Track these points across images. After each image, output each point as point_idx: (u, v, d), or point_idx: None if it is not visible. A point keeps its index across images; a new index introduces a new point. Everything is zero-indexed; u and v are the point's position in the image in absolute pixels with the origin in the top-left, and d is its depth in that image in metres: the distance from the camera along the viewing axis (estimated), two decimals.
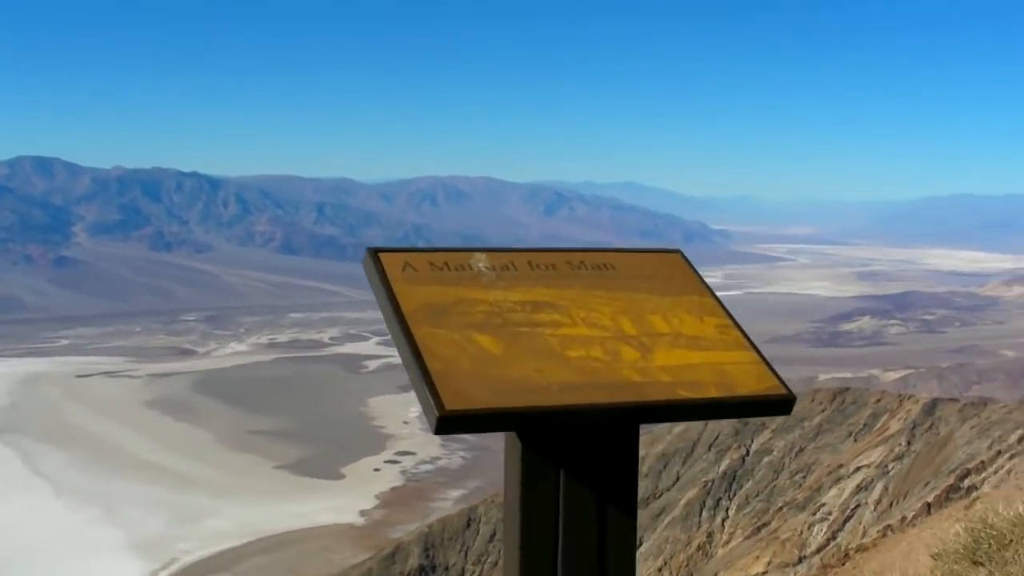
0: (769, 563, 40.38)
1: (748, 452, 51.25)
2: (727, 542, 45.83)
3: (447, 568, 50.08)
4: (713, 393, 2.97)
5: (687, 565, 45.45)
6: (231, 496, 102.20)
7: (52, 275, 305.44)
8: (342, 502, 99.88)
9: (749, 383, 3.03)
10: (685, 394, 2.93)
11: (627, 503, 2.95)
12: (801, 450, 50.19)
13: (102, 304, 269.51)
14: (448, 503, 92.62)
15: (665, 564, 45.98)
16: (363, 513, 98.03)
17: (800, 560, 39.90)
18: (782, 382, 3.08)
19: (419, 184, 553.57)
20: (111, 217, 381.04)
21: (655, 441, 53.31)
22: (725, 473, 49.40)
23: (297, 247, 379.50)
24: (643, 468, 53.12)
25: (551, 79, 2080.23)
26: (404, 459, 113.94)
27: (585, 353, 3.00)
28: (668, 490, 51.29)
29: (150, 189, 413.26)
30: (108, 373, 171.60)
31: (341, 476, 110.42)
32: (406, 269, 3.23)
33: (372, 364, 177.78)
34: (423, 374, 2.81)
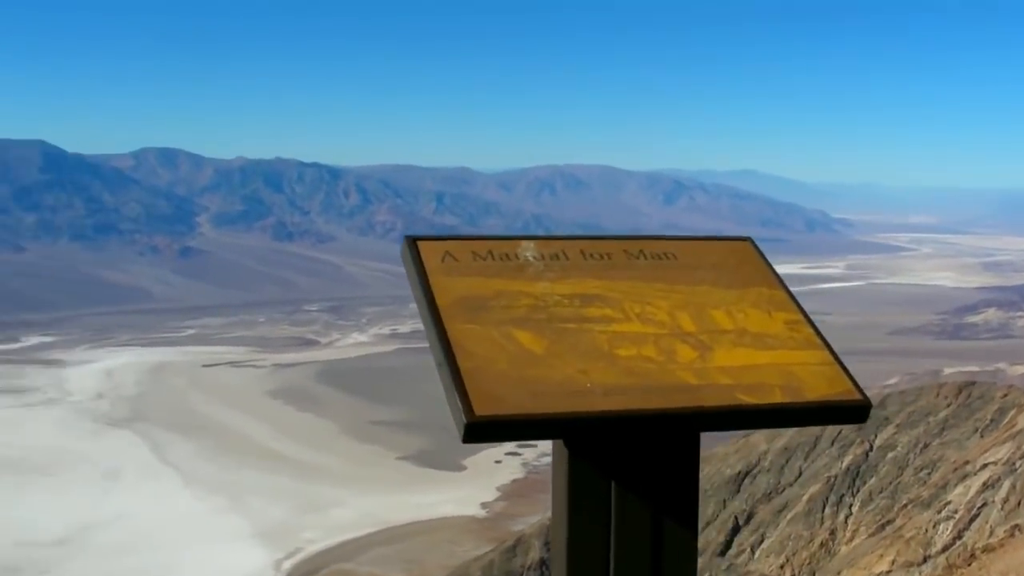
0: (893, 562, 39.91)
1: (872, 447, 50.59)
2: (850, 539, 45.37)
3: None
4: (778, 398, 2.73)
5: (809, 563, 45.09)
6: (354, 486, 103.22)
7: (177, 266, 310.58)
8: (463, 494, 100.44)
9: (819, 387, 2.78)
10: (746, 399, 2.70)
11: (687, 518, 2.74)
12: (926, 446, 49.45)
13: (226, 294, 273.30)
14: None
15: (787, 561, 45.66)
16: (484, 505, 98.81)
17: (925, 560, 39.39)
18: (856, 386, 2.82)
19: (537, 173, 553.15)
20: (234, 208, 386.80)
21: (777, 436, 52.85)
22: (848, 469, 48.80)
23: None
24: (764, 463, 52.79)
25: (668, 67, 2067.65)
26: (525, 451, 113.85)
27: (636, 352, 2.78)
28: (790, 485, 50.85)
29: (272, 180, 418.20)
30: (233, 363, 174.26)
31: (462, 468, 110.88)
32: (446, 259, 3.03)
33: None
34: (453, 374, 2.61)
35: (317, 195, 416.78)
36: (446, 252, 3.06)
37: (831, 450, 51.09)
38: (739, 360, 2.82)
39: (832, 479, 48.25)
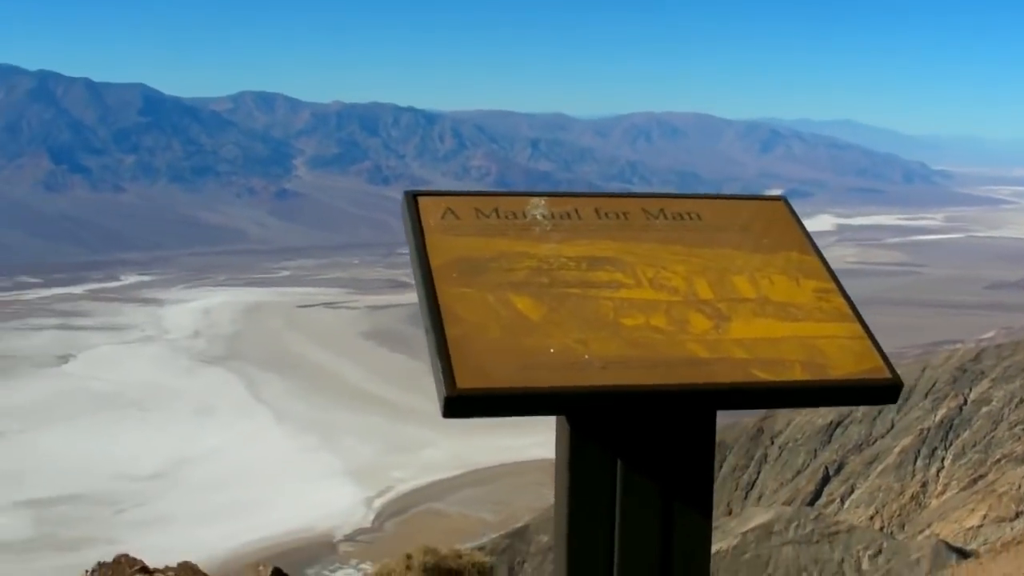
0: (984, 517, 39.42)
1: (966, 401, 49.98)
2: (941, 493, 44.93)
3: None
4: (797, 375, 2.52)
5: (899, 515, 44.71)
6: (444, 427, 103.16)
7: (274, 207, 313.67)
8: (552, 437, 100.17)
9: (845, 363, 2.57)
10: (761, 375, 2.49)
11: (699, 500, 2.55)
12: (1021, 401, 48.74)
13: (321, 236, 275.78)
14: None
15: (877, 513, 45.32)
16: None
17: (1017, 515, 38.86)
18: (887, 363, 2.60)
19: (633, 120, 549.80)
20: (330, 151, 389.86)
21: None
22: (942, 422, 48.31)
23: (512, 182, 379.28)
24: (856, 413, 52.33)
25: (765, 14, 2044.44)
26: None
27: (644, 321, 2.59)
28: (882, 437, 50.44)
29: (368, 123, 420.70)
30: (327, 304, 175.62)
31: None
32: (446, 216, 2.85)
33: None
34: (438, 342, 2.43)
35: (412, 139, 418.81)
36: (447, 209, 2.88)
37: (924, 403, 50.51)
38: (758, 332, 2.62)
39: (925, 432, 47.75)
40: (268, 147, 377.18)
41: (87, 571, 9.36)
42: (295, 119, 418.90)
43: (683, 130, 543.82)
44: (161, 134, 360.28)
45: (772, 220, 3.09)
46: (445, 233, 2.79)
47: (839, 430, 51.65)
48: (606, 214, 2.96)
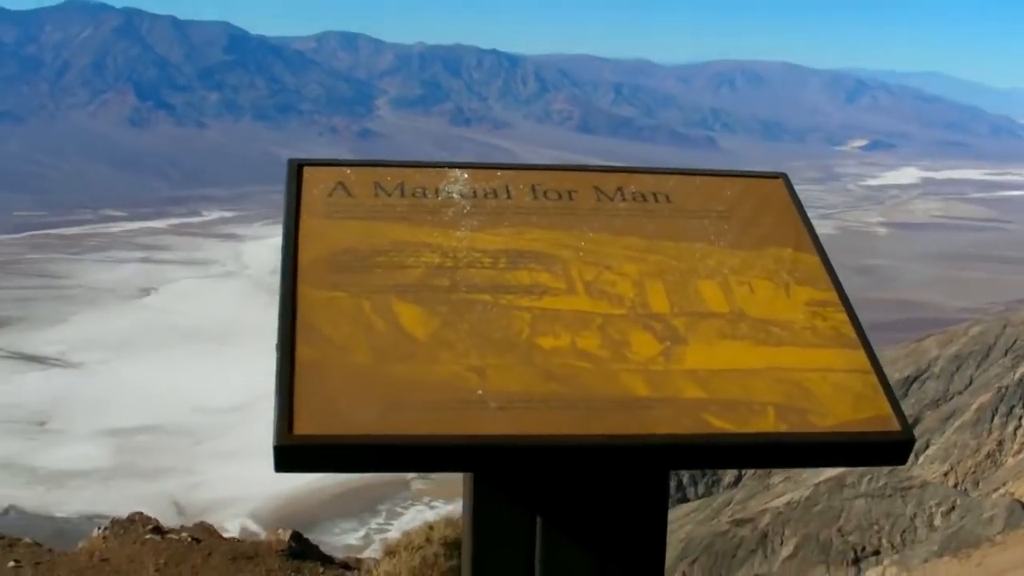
0: None
1: None
2: (1018, 452, 44.49)
3: None
4: (768, 424, 1.95)
5: (974, 472, 44.35)
6: None
7: (355, 147, 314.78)
8: None
9: (838, 408, 2.00)
10: (717, 423, 1.93)
11: (646, 568, 2.04)
12: None
13: None
14: None
15: (951, 469, 44.96)
16: None
17: None
18: (897, 410, 2.02)
19: (717, 67, 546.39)
20: (413, 92, 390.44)
21: (949, 342, 51.83)
22: (1021, 380, 47.67)
23: (594, 127, 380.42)
24: (935, 369, 51.81)
25: None
26: None
27: (569, 342, 2.04)
28: (959, 393, 49.92)
29: (450, 65, 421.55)
30: None
31: None
32: (335, 193, 2.33)
33: None
34: (283, 367, 1.91)
35: (495, 82, 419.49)
36: (338, 183, 2.36)
37: (1004, 360, 49.96)
38: (723, 361, 2.06)
39: (1003, 390, 47.18)
40: (351, 87, 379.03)
41: (100, 527, 9.54)
42: (378, 60, 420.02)
43: (767, 79, 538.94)
44: (245, 72, 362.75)
45: (764, 204, 2.51)
46: (329, 216, 2.27)
47: (916, 384, 51.21)
48: (545, 193, 2.41)
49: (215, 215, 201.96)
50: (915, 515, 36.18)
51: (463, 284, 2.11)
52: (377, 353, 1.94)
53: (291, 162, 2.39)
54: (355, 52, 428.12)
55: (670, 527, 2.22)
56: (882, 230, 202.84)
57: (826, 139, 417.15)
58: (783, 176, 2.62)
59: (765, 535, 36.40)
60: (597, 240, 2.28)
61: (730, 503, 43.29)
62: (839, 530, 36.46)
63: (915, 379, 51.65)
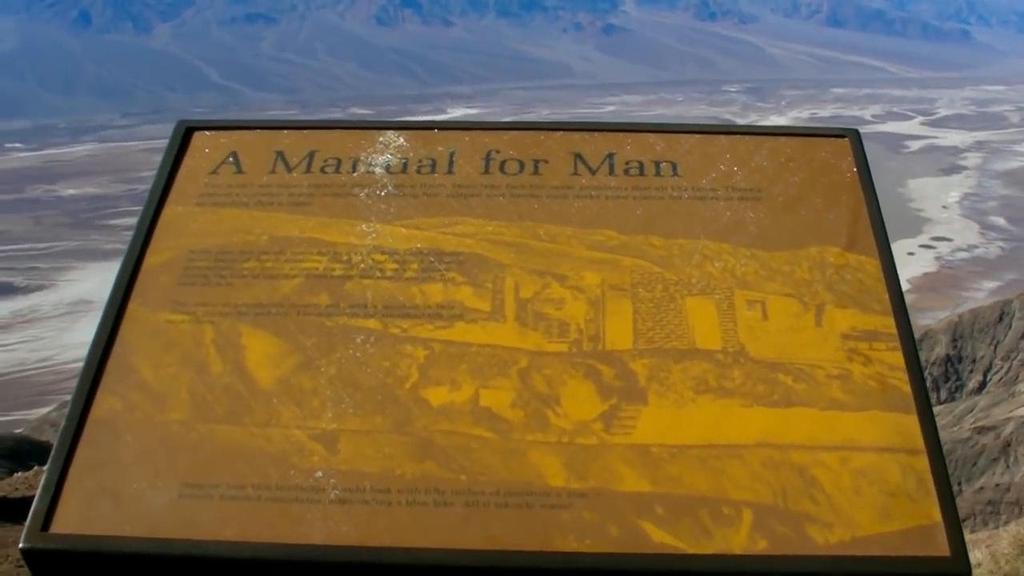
0: None
1: None
2: None
3: (974, 361, 48.39)
4: (739, 540, 1.41)
5: None
6: None
7: (600, 43, 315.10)
8: None
9: (856, 514, 1.44)
10: (661, 539, 1.40)
11: None
12: None
13: (647, 72, 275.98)
14: (982, 294, 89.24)
15: None
16: None
17: None
18: (950, 522, 1.43)
19: None
20: None
21: None
22: None
23: (843, 20, 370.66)
24: None
25: None
26: (940, 244, 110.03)
27: (470, 396, 1.55)
28: None
29: None
30: None
31: None
32: (222, 168, 1.91)
33: (914, 144, 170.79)
34: (67, 427, 1.52)
35: None
36: (231, 153, 1.93)
37: None
38: (693, 431, 1.52)
39: None
40: None
41: None
42: None
43: None
44: None
45: (815, 179, 1.90)
46: (200, 201, 1.84)
47: None
48: (503, 164, 1.89)
49: (460, 112, 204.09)
50: None
51: (348, 303, 1.66)
52: (199, 407, 1.53)
53: (179, 125, 1.96)
54: None
55: None
56: None
57: None
58: (851, 134, 2.00)
59: (1008, 444, 35.11)
60: (556, 234, 1.75)
61: (973, 410, 41.99)
62: None
63: None
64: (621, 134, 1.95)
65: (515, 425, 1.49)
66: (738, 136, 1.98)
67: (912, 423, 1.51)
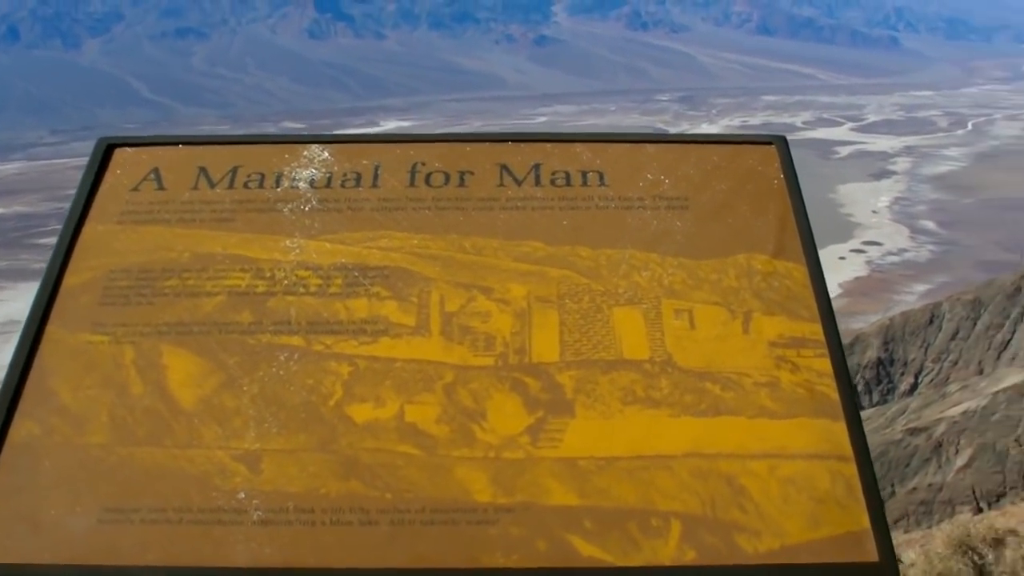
0: None
1: None
2: None
3: (905, 363, 48.85)
4: (668, 551, 1.41)
5: None
6: None
7: (532, 53, 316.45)
8: None
9: (785, 522, 1.44)
10: (589, 552, 1.40)
11: None
12: None
13: (579, 82, 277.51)
14: (912, 297, 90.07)
15: None
16: None
17: None
18: (878, 527, 1.45)
19: None
20: None
21: None
22: None
23: (774, 28, 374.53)
24: None
25: None
26: (870, 249, 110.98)
27: (395, 412, 1.55)
28: None
29: None
30: None
31: None
32: (144, 184, 1.89)
33: (844, 150, 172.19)
34: None
35: None
36: (152, 170, 1.91)
37: None
38: (620, 442, 1.51)
39: None
40: None
41: None
42: None
43: None
44: None
45: (742, 186, 1.92)
46: (121, 219, 1.83)
47: None
48: (428, 176, 1.89)
49: (393, 124, 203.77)
50: None
51: (271, 320, 1.65)
52: (119, 430, 1.51)
53: (100, 142, 1.94)
54: None
55: None
56: None
57: (1015, 37, 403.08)
58: (778, 141, 2.01)
59: (940, 444, 35.40)
60: (481, 247, 1.75)
61: (905, 411, 42.37)
62: (1017, 440, 35.40)
63: None
64: (547, 144, 1.94)
65: (441, 441, 1.48)
66: (665, 145, 1.97)
67: (840, 430, 1.51)
